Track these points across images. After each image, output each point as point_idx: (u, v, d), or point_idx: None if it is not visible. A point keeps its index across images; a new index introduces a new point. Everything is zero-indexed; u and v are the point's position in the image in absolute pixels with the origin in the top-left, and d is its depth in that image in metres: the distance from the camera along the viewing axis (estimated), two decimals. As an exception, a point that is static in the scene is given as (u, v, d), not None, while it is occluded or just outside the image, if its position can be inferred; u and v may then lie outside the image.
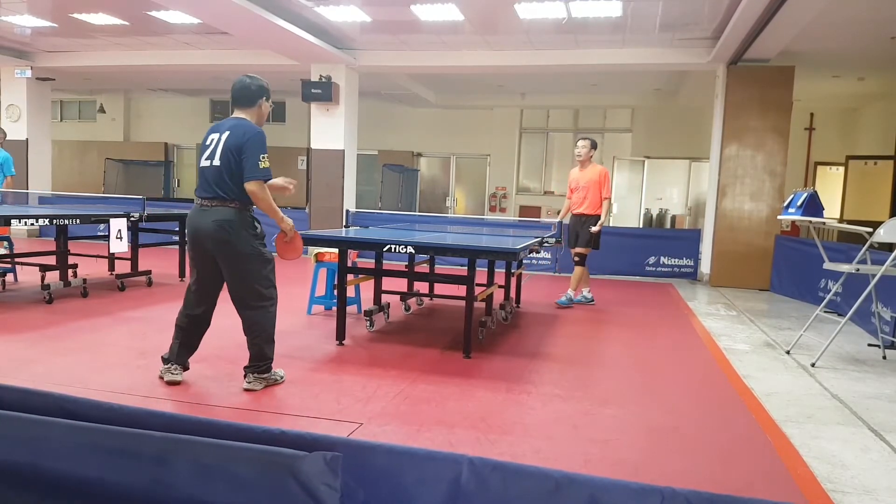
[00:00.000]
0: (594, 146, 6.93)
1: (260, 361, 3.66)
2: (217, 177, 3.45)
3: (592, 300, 7.01)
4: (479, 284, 4.79)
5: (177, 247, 7.57)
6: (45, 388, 1.16)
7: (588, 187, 6.74)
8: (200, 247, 3.53)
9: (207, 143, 3.55)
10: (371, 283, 5.82)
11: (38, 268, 6.55)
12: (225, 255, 3.48)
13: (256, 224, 3.56)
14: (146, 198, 8.16)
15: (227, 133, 3.48)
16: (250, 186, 3.41)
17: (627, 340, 5.49)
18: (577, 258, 6.85)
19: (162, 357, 3.78)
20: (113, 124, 17.47)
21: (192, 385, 3.72)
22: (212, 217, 3.44)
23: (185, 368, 3.76)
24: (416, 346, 4.91)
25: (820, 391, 4.10)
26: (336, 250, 5.06)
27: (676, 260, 9.60)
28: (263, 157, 3.42)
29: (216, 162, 3.46)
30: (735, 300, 7.83)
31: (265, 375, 3.69)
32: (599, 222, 6.68)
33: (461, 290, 4.60)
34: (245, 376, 3.67)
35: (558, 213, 7.28)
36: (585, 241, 6.75)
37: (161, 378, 3.74)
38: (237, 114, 3.61)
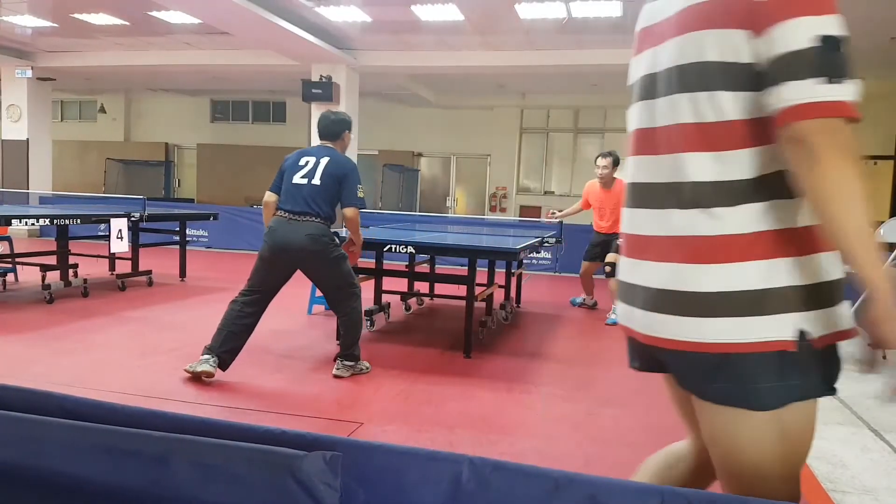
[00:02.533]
0: (616, 162, 6.12)
1: (351, 349, 3.97)
2: (315, 195, 3.80)
3: (594, 305, 6.87)
4: (479, 284, 4.79)
5: (177, 247, 7.57)
6: (45, 388, 1.17)
7: (617, 209, 5.99)
8: (284, 255, 3.78)
9: (301, 163, 3.89)
10: (371, 282, 5.82)
11: (38, 268, 6.55)
12: (317, 262, 3.83)
13: (335, 235, 4.00)
14: (147, 198, 8.18)
15: (327, 160, 3.87)
16: (350, 212, 3.87)
17: (628, 340, 5.48)
18: (608, 268, 6.09)
19: (206, 347, 3.79)
20: (113, 124, 17.48)
21: (192, 385, 3.72)
22: (304, 231, 3.75)
23: (223, 364, 3.76)
24: (416, 346, 4.91)
25: (820, 391, 4.09)
26: (336, 250, 5.06)
27: (677, 260, 9.58)
28: (360, 188, 3.90)
29: (315, 182, 3.81)
30: (735, 300, 7.82)
31: (351, 364, 3.98)
32: None
33: (461, 290, 4.60)
34: (335, 363, 4.00)
35: (554, 212, 6.82)
36: (616, 249, 6.11)
37: (189, 372, 3.73)
38: (326, 143, 4.00)
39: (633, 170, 1.29)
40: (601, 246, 6.30)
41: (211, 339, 3.78)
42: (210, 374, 3.71)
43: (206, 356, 3.73)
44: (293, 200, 3.80)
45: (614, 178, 6.17)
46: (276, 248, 3.77)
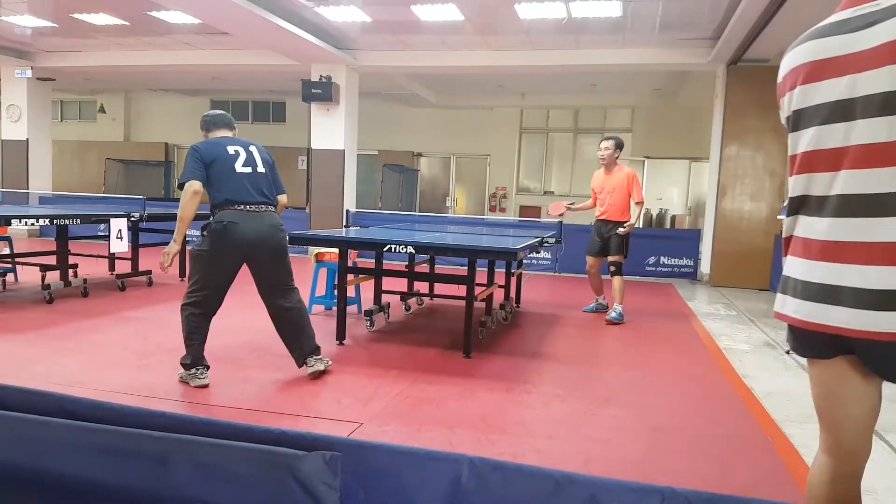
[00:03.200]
0: (619, 146, 6.26)
1: (314, 340, 3.95)
2: (266, 183, 3.76)
3: (606, 306, 6.59)
4: (479, 284, 4.79)
5: (177, 247, 7.56)
6: (46, 388, 1.17)
7: (614, 192, 6.19)
8: (246, 250, 3.65)
9: (232, 152, 3.69)
10: (371, 282, 5.82)
11: (38, 268, 6.55)
12: (278, 254, 3.77)
13: None
14: (146, 198, 8.17)
15: (254, 148, 3.81)
16: (285, 198, 3.93)
17: (627, 340, 5.49)
18: (613, 268, 6.20)
19: (182, 363, 3.72)
20: (113, 124, 17.48)
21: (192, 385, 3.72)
22: (268, 221, 3.70)
23: (208, 368, 3.76)
24: (416, 345, 4.91)
25: (820, 391, 4.09)
26: (336, 250, 5.06)
27: (676, 260, 9.60)
28: None
29: (260, 169, 3.75)
30: (735, 300, 7.83)
31: (320, 355, 3.97)
32: (627, 224, 6.12)
33: (461, 290, 4.60)
34: (306, 362, 3.90)
35: (573, 202, 6.63)
36: (617, 247, 6.17)
37: (185, 383, 3.69)
38: (227, 133, 3.88)
39: (840, 182, 1.39)
40: (601, 239, 6.32)
41: (188, 351, 3.70)
42: (207, 385, 3.71)
43: (195, 370, 3.68)
44: (244, 191, 3.62)
45: (617, 163, 6.30)
46: (239, 244, 3.59)
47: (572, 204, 6.60)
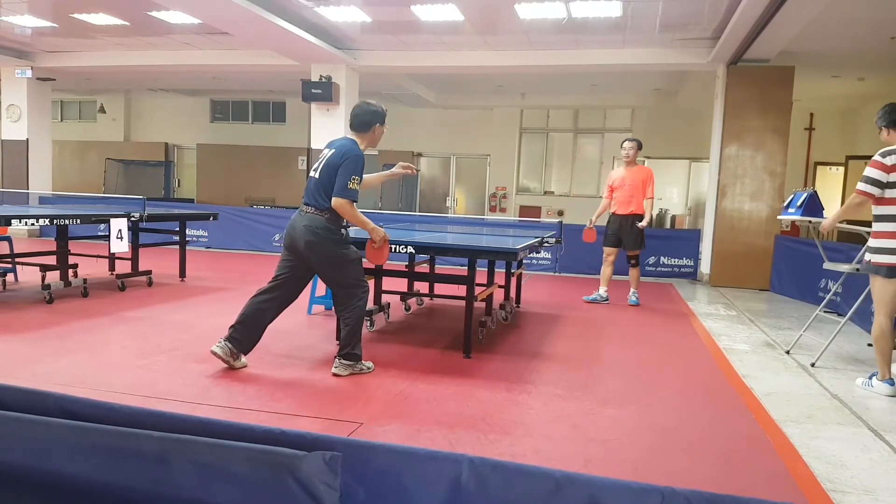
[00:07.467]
0: (640, 146, 7.04)
1: (350, 348, 3.97)
2: (316, 187, 3.87)
3: (607, 299, 7.18)
4: (479, 284, 4.79)
5: (177, 247, 7.57)
6: (46, 388, 1.17)
7: (635, 186, 6.89)
8: (294, 246, 3.91)
9: (320, 157, 3.95)
10: (371, 282, 5.81)
11: (38, 268, 6.55)
12: (314, 256, 3.88)
13: (341, 231, 3.90)
14: (146, 198, 8.17)
15: (330, 150, 3.93)
16: (335, 202, 3.78)
17: (627, 340, 5.49)
18: (632, 261, 7.05)
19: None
20: (113, 124, 17.48)
21: (193, 385, 3.72)
22: (304, 222, 3.86)
23: (244, 353, 3.99)
24: (416, 346, 4.91)
25: (820, 391, 4.10)
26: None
27: (676, 260, 9.60)
28: (354, 179, 3.78)
29: (316, 174, 3.90)
30: (735, 300, 7.83)
31: (350, 363, 3.98)
32: (644, 220, 6.86)
33: (461, 290, 4.60)
34: (335, 360, 4.03)
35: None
36: (634, 241, 6.95)
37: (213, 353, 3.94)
38: (353, 135, 4.02)
39: None
40: (619, 232, 7.01)
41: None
42: (217, 355, 3.90)
43: (221, 341, 3.94)
44: (305, 193, 3.95)
45: (636, 161, 7.04)
46: (286, 239, 3.96)
47: (591, 222, 7.32)
